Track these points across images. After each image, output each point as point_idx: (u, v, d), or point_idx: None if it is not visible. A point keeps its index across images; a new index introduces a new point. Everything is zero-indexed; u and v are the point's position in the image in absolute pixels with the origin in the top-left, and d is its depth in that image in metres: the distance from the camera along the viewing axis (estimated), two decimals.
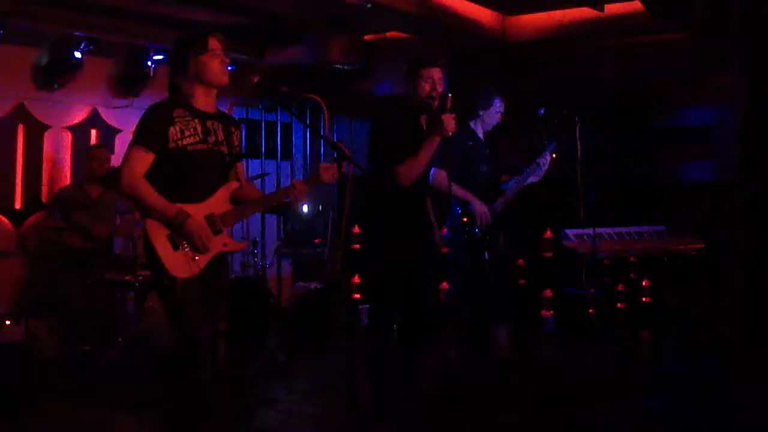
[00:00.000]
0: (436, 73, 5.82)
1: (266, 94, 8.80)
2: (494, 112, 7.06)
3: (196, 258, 4.76)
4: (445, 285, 8.70)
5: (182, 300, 4.73)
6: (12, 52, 8.39)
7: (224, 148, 4.96)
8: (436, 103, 5.74)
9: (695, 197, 9.08)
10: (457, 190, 6.68)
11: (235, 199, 5.03)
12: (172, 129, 4.74)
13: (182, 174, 4.77)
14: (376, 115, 5.99)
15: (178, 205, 4.71)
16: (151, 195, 4.68)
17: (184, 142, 4.76)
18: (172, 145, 4.73)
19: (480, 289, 6.91)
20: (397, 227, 5.83)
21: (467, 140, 6.98)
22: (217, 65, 4.86)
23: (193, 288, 4.75)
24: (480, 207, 6.86)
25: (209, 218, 4.83)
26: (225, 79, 4.92)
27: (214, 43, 4.86)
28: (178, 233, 4.71)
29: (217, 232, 4.86)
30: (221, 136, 4.96)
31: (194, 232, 4.71)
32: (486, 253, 6.88)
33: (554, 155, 7.03)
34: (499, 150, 7.30)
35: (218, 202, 4.91)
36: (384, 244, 5.87)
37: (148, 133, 4.74)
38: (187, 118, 4.81)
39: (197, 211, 4.79)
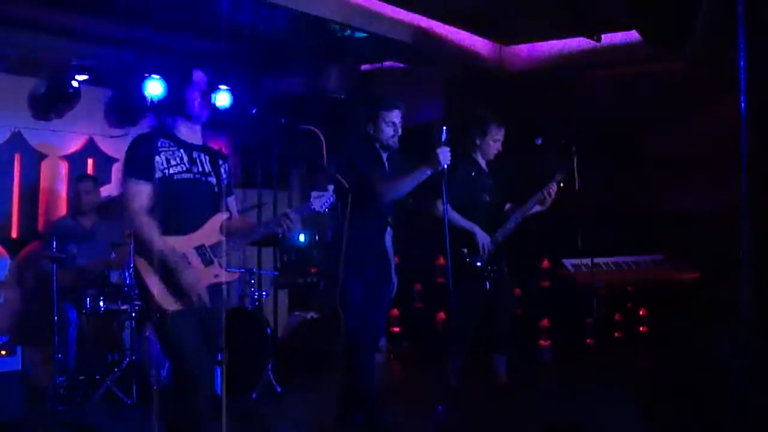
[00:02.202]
0: (397, 117, 5.91)
1: (265, 126, 8.79)
2: (491, 141, 7.03)
3: (192, 294, 4.75)
4: (442, 315, 8.68)
5: (175, 333, 4.73)
6: (9, 81, 8.41)
7: (212, 179, 4.97)
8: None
9: (692, 226, 9.06)
10: (460, 221, 6.67)
11: (227, 230, 5.00)
12: (157, 158, 4.76)
13: (171, 204, 4.76)
14: (349, 145, 6.04)
15: (169, 237, 4.71)
16: (154, 234, 4.68)
17: (171, 171, 4.79)
18: (158, 174, 4.75)
19: (480, 319, 6.89)
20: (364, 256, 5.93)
21: (470, 171, 6.96)
22: (192, 98, 4.89)
23: (186, 320, 4.74)
24: (483, 237, 6.85)
25: (200, 249, 4.84)
26: (205, 113, 4.95)
27: (197, 75, 4.91)
28: (176, 279, 4.70)
29: (207, 263, 4.86)
30: (208, 167, 4.97)
31: (185, 282, 4.70)
32: (487, 283, 6.86)
33: (562, 185, 7.01)
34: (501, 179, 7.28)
35: (208, 233, 4.90)
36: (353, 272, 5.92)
37: (140, 164, 4.76)
38: (172, 148, 4.84)
39: (188, 242, 4.79)
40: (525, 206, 7.05)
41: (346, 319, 5.85)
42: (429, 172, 5.70)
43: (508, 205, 7.22)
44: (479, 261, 6.82)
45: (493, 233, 6.94)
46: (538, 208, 7.06)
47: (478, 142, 7.02)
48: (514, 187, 7.30)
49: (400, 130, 5.84)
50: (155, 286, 4.70)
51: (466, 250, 6.77)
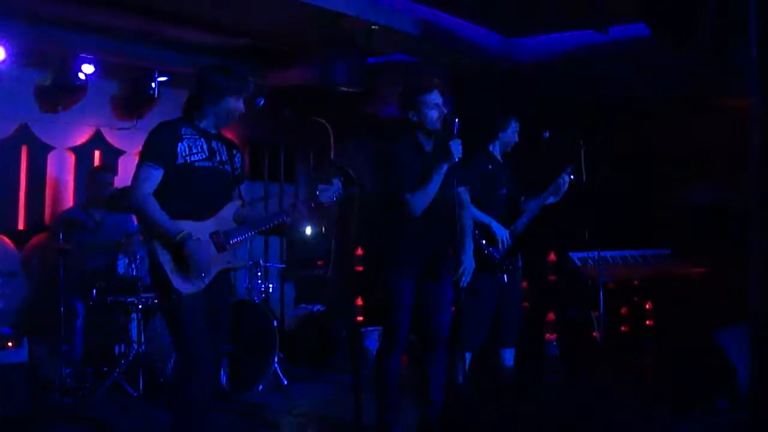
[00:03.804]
0: (438, 98, 5.77)
1: (272, 118, 8.79)
2: (512, 133, 7.07)
3: (202, 274, 4.82)
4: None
5: (184, 314, 4.80)
6: (16, 74, 8.36)
7: (228, 168, 5.10)
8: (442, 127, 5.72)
9: (699, 220, 9.05)
10: (477, 214, 6.63)
11: (238, 218, 5.13)
12: (180, 145, 4.87)
13: (189, 190, 4.89)
14: (382, 144, 5.95)
15: (184, 222, 4.80)
16: (156, 213, 4.77)
17: (192, 158, 4.90)
18: (180, 160, 4.85)
19: (496, 313, 6.91)
20: (407, 252, 5.79)
21: (487, 164, 6.97)
22: (236, 114, 5.08)
23: (197, 304, 4.83)
24: (501, 230, 6.85)
25: (214, 235, 4.94)
26: (229, 124, 5.18)
27: (246, 93, 5.08)
28: (179, 253, 4.77)
29: (221, 249, 4.96)
30: (225, 156, 5.10)
31: (191, 256, 4.77)
32: (505, 276, 6.86)
33: (572, 176, 7.01)
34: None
35: (223, 219, 5.03)
36: (394, 269, 5.82)
37: (157, 150, 4.86)
38: (194, 136, 4.96)
39: (203, 228, 4.89)
40: (540, 197, 7.05)
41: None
42: (446, 167, 5.64)
43: (522, 198, 7.21)
44: (497, 254, 6.81)
45: (510, 226, 6.94)
46: (551, 199, 7.06)
47: (500, 135, 7.05)
48: (523, 179, 7.29)
49: (444, 110, 5.76)
50: (171, 269, 4.78)
51: (484, 242, 6.75)
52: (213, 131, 5.10)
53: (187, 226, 4.82)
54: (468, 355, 6.88)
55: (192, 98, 5.07)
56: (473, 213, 6.35)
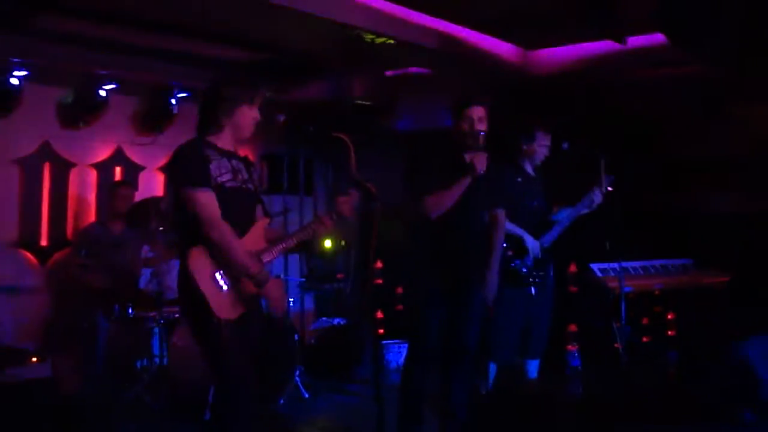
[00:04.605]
0: (477, 113, 5.81)
1: (294, 133, 8.83)
2: (539, 146, 7.00)
3: (240, 299, 4.75)
4: None
5: (225, 341, 4.67)
6: (38, 92, 8.48)
7: (251, 186, 5.01)
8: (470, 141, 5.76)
9: (721, 229, 9.02)
10: (508, 226, 6.57)
11: (267, 237, 5.07)
12: (210, 167, 4.74)
13: (224, 212, 4.70)
14: (414, 146, 5.99)
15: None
16: (236, 244, 4.69)
17: (221, 180, 4.77)
18: (213, 183, 4.72)
19: (524, 326, 6.92)
20: (435, 267, 5.82)
21: (516, 177, 6.94)
22: (251, 120, 4.94)
23: (236, 328, 4.71)
24: (533, 243, 6.84)
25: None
26: (249, 134, 5.00)
27: (259, 99, 4.95)
28: (235, 287, 4.70)
29: None
30: (246, 175, 5.00)
31: (248, 292, 4.75)
32: (532, 289, 6.87)
33: (610, 188, 7.01)
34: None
35: (254, 239, 4.93)
36: (421, 283, 5.87)
37: (198, 172, 4.71)
38: (217, 158, 4.82)
39: None
40: (572, 209, 7.03)
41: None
42: (469, 180, 5.68)
43: (554, 209, 7.21)
44: (524, 267, 6.84)
45: (539, 238, 6.93)
46: (584, 210, 7.04)
47: (525, 147, 7.01)
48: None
49: (479, 127, 5.77)
50: (213, 293, 4.64)
51: (511, 254, 6.77)
52: (231, 149, 4.97)
53: None
54: (493, 367, 6.90)
55: (205, 115, 4.92)
56: (506, 227, 6.39)
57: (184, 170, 4.74)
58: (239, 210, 4.86)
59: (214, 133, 4.90)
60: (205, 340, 4.75)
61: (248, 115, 4.91)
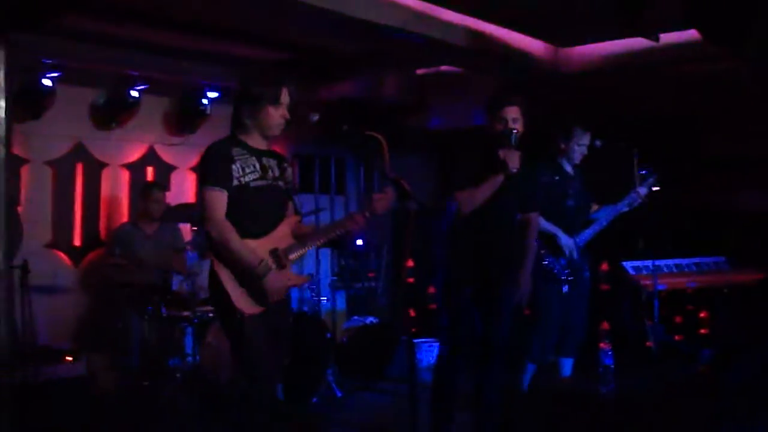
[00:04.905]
0: (511, 113, 5.80)
1: (328, 132, 8.85)
2: (576, 144, 6.99)
3: (270, 298, 4.84)
4: None
5: (248, 336, 4.79)
6: (70, 93, 8.55)
7: (282, 183, 5.07)
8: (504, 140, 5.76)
9: (756, 227, 8.98)
10: (542, 224, 6.59)
11: (296, 233, 5.14)
12: (233, 166, 4.84)
13: (247, 210, 4.86)
14: (448, 145, 6.01)
15: (246, 241, 4.81)
16: (235, 240, 4.78)
17: (246, 179, 4.87)
18: (235, 182, 4.83)
19: (557, 324, 6.94)
20: (468, 266, 5.84)
21: (554, 176, 6.95)
22: (278, 119, 4.99)
23: (259, 324, 4.82)
24: (567, 241, 6.85)
25: (274, 253, 4.93)
26: (279, 132, 5.06)
27: (285, 96, 4.98)
28: (255, 283, 4.79)
29: (280, 267, 4.94)
30: (277, 172, 5.07)
31: (271, 287, 4.80)
32: (565, 287, 6.86)
33: (654, 188, 7.00)
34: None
35: (281, 236, 5.01)
36: (454, 282, 5.88)
37: (217, 173, 4.84)
38: (245, 156, 4.92)
39: (262, 246, 4.88)
40: (612, 208, 7.05)
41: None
42: (501, 178, 5.70)
43: (593, 207, 7.21)
44: (558, 265, 6.83)
45: (575, 236, 6.95)
46: (624, 209, 7.05)
47: (562, 146, 7.01)
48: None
49: (514, 126, 5.75)
50: (234, 289, 4.79)
51: (543, 252, 6.77)
52: (262, 147, 5.07)
53: (248, 245, 4.83)
54: (531, 366, 6.90)
55: (234, 115, 5.04)
56: (540, 224, 6.39)
57: (202, 169, 4.95)
58: (265, 208, 4.98)
59: (244, 132, 5.00)
60: (229, 333, 4.94)
61: (274, 116, 4.96)
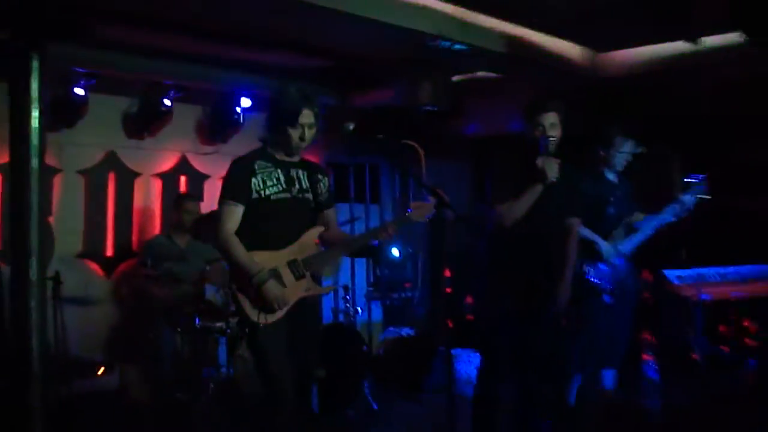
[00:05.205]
0: (549, 119, 5.75)
1: (363, 141, 8.83)
2: (618, 152, 6.85)
3: (276, 308, 5.02)
4: None
5: (263, 346, 5.01)
6: (103, 101, 8.55)
7: (309, 195, 5.21)
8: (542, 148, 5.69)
9: None
10: (583, 232, 6.45)
11: (324, 243, 5.32)
12: (254, 180, 5.05)
13: (265, 222, 5.08)
14: (485, 153, 6.00)
15: (262, 252, 5.02)
16: (238, 252, 5.02)
17: (267, 192, 5.09)
18: (255, 195, 5.07)
19: (600, 336, 6.78)
20: (507, 277, 5.79)
21: (595, 184, 6.81)
22: (297, 139, 5.10)
23: (276, 333, 5.01)
24: (607, 249, 6.70)
25: (292, 264, 5.11)
26: (303, 147, 5.18)
27: (305, 117, 5.06)
28: (256, 291, 4.98)
29: (298, 277, 5.13)
30: (305, 184, 5.21)
31: (268, 295, 4.96)
32: (607, 298, 6.73)
33: (704, 197, 6.88)
34: None
35: (302, 247, 5.18)
36: (492, 293, 5.86)
37: (234, 186, 5.10)
38: (269, 169, 5.14)
39: (280, 257, 5.06)
40: (658, 217, 6.90)
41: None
42: (540, 187, 5.66)
43: (638, 215, 7.07)
44: (598, 275, 6.72)
45: (618, 245, 6.81)
46: (670, 219, 6.90)
47: (603, 154, 6.89)
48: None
49: (552, 133, 5.71)
50: (245, 300, 5.03)
51: (584, 261, 6.63)
52: (292, 158, 5.20)
53: (264, 256, 5.02)
54: (575, 378, 6.80)
55: (266, 125, 5.21)
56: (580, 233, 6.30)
57: (223, 186, 5.19)
58: (286, 219, 5.14)
59: (272, 144, 5.20)
60: (249, 343, 5.21)
61: (293, 136, 5.09)
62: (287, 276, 5.09)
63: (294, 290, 5.08)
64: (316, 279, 5.30)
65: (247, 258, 4.99)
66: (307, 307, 5.21)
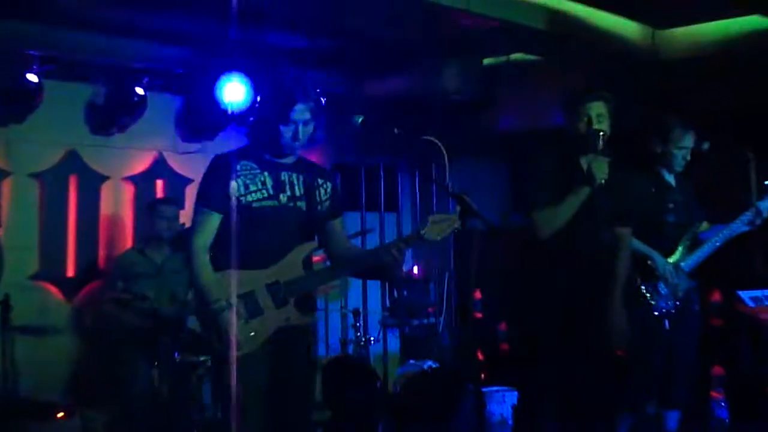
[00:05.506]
0: (596, 109, 5.73)
1: (375, 137, 8.79)
2: (676, 148, 6.80)
3: (251, 334, 4.91)
4: None
5: (241, 376, 4.83)
6: (61, 90, 8.55)
7: (303, 203, 5.14)
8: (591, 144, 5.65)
9: None
10: (635, 245, 6.43)
11: (330, 260, 5.39)
12: (233, 183, 4.96)
13: (246, 235, 4.94)
14: (521, 151, 5.96)
15: (236, 272, 4.92)
16: (201, 272, 4.95)
17: (249, 198, 4.99)
18: (234, 201, 4.96)
19: (658, 368, 6.73)
20: (548, 298, 5.75)
21: (649, 186, 6.81)
22: (289, 138, 5.04)
23: (252, 364, 4.88)
24: (663, 265, 6.64)
25: (272, 287, 4.99)
26: (296, 145, 5.10)
27: (299, 113, 5.01)
28: (212, 321, 4.90)
29: (280, 303, 5.00)
30: (299, 190, 5.13)
31: (221, 328, 4.86)
32: (666, 322, 6.63)
33: None
34: None
35: (287, 267, 5.05)
36: (531, 318, 5.86)
37: (209, 191, 5.02)
38: (254, 171, 5.06)
39: (258, 278, 4.98)
40: (728, 227, 6.84)
41: None
42: (588, 191, 5.61)
43: (704, 225, 7.01)
44: (655, 295, 6.62)
45: (681, 260, 6.76)
46: (743, 228, 6.84)
47: (659, 150, 6.83)
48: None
49: (599, 125, 5.69)
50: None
51: (638, 280, 6.56)
52: (285, 159, 5.13)
53: (241, 276, 4.92)
54: (628, 418, 6.71)
55: (253, 120, 5.22)
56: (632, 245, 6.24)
57: (198, 188, 5.15)
58: (269, 232, 5.03)
59: (263, 141, 5.13)
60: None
61: (284, 135, 5.01)
62: (265, 301, 4.98)
63: (271, 319, 4.98)
64: (302, 306, 5.15)
65: (209, 281, 4.91)
66: (291, 338, 5.10)
